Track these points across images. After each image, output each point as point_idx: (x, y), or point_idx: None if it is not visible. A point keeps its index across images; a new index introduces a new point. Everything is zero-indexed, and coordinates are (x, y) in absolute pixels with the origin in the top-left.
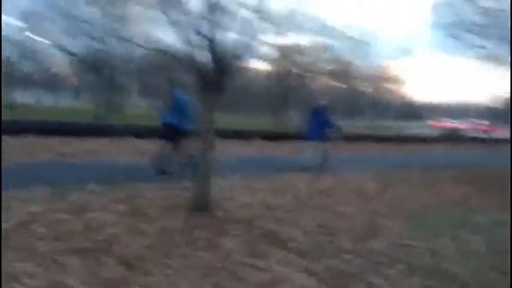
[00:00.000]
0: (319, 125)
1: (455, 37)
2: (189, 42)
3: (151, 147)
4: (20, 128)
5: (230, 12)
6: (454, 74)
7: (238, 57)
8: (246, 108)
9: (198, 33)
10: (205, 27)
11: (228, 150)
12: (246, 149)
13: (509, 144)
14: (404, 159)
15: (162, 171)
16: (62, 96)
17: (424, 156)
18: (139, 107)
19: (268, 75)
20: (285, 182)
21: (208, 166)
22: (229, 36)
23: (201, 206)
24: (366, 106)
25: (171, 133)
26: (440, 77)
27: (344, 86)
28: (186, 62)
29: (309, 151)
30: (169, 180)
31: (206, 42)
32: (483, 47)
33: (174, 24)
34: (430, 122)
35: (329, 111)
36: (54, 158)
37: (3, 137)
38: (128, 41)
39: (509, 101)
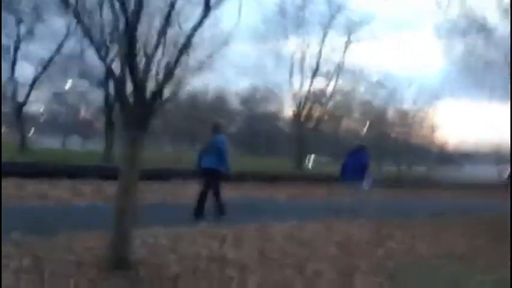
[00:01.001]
0: (357, 165)
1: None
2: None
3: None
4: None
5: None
6: (484, 120)
7: (161, 93)
8: (275, 152)
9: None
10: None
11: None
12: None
13: None
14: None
15: (201, 216)
16: (91, 141)
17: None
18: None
19: (293, 119)
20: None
21: (126, 213)
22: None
23: (118, 262)
24: (400, 151)
25: (211, 177)
26: (473, 122)
27: (376, 131)
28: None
29: (350, 193)
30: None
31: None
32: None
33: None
34: (499, 167)
35: (367, 152)
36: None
37: None
38: None
39: None
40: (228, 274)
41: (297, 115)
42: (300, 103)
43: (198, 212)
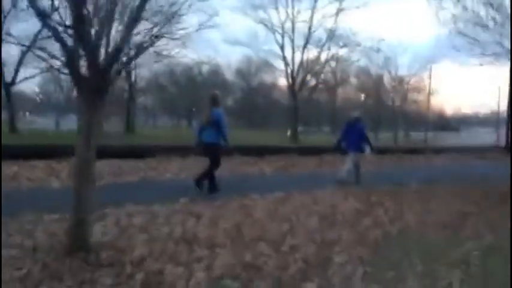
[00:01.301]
0: (354, 137)
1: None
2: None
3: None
4: None
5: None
6: (480, 83)
7: (117, 59)
8: (272, 124)
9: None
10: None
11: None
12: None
13: None
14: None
15: (215, 189)
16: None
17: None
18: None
19: (287, 89)
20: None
21: (82, 194)
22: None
23: (76, 246)
24: (397, 119)
25: (212, 151)
26: (468, 87)
27: (372, 99)
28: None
29: (348, 164)
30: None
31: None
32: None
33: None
34: (499, 131)
35: (363, 124)
36: None
37: None
38: None
39: None
40: (196, 255)
41: (290, 85)
42: (292, 72)
43: (212, 186)
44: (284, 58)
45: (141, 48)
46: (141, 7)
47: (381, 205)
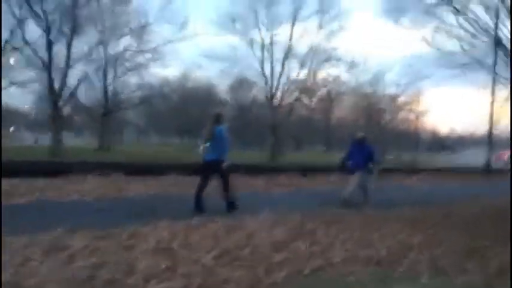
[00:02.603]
0: (361, 157)
1: None
2: None
3: None
4: None
5: None
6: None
7: None
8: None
9: None
10: None
11: None
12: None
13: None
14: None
15: (201, 209)
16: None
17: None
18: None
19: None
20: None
21: None
22: None
23: None
24: (390, 139)
25: (216, 168)
26: (461, 107)
27: (363, 118)
28: None
29: (354, 183)
30: None
31: None
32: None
33: None
34: (496, 154)
35: (369, 143)
36: None
37: None
38: None
39: None
40: None
41: (270, 101)
42: (271, 89)
43: (198, 206)
44: (263, 73)
45: None
46: None
47: (310, 235)
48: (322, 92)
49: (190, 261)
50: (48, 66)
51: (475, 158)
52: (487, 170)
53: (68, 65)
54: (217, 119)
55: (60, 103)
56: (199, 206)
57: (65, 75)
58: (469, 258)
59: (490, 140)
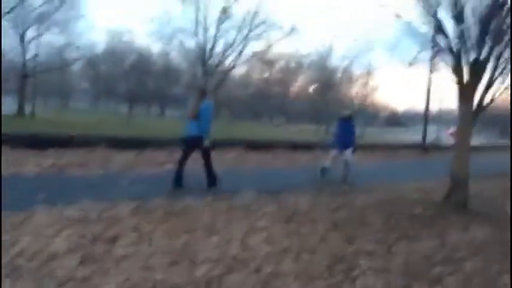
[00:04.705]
0: (346, 134)
1: None
2: None
3: None
4: None
5: None
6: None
7: None
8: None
9: None
10: None
11: None
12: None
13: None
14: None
15: (180, 186)
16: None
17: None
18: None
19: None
20: None
21: None
22: None
23: None
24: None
25: (198, 145)
26: (413, 86)
27: (319, 92)
28: None
29: (332, 158)
30: None
31: None
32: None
33: None
34: (448, 131)
35: (354, 121)
36: None
37: None
38: None
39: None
40: None
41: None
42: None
43: (177, 182)
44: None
45: None
46: None
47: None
48: (280, 64)
49: None
50: None
51: (428, 134)
52: (424, 147)
53: None
54: (203, 94)
55: None
56: (179, 182)
57: None
58: None
59: (425, 117)
